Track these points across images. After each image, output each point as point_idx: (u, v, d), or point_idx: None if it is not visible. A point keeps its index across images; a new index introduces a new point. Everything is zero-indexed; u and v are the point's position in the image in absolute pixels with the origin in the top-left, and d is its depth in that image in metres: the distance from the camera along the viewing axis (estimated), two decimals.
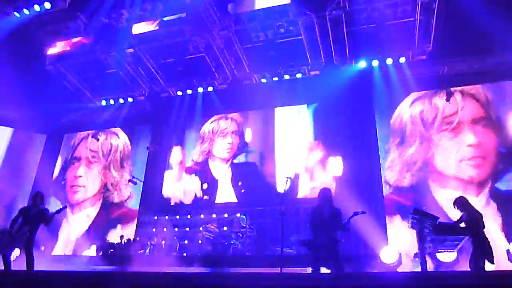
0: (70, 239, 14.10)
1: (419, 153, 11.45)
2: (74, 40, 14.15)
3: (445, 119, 11.54)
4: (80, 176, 15.42)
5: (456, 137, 11.21)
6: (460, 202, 7.02)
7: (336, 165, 11.74)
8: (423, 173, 11.18)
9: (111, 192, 14.69)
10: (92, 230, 14.08)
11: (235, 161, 13.73)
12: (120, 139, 15.56)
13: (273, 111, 14.02)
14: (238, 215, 11.68)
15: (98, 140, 15.45)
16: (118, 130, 15.71)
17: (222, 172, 13.72)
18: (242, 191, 13.06)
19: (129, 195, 14.36)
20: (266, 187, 12.82)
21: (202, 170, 14.00)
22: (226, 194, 13.29)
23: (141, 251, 11.33)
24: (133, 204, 14.19)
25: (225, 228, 11.61)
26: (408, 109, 12.11)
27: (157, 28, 13.09)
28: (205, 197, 13.37)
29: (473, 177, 10.57)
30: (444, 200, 10.40)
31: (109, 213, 14.32)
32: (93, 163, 15.51)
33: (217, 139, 14.31)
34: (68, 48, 14.21)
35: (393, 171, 11.58)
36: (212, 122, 14.66)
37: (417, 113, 11.93)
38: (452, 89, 11.65)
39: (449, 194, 9.95)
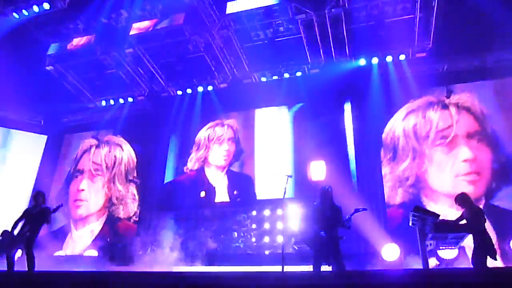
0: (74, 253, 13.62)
1: (412, 168, 11.12)
2: (74, 40, 14.14)
3: (439, 133, 11.19)
4: (83, 190, 14.83)
5: (451, 152, 10.87)
6: (461, 199, 6.99)
7: (319, 169, 11.43)
8: (416, 190, 10.89)
9: (116, 206, 14.16)
10: (96, 244, 13.39)
11: (231, 168, 13.53)
12: (124, 151, 15.09)
13: (254, 112, 14.07)
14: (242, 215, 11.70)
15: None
16: (122, 141, 15.30)
17: (218, 179, 13.49)
18: (238, 199, 12.90)
19: (135, 210, 13.88)
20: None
21: (198, 178, 13.76)
22: (224, 199, 13.15)
23: (141, 252, 11.32)
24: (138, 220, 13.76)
25: (226, 228, 11.62)
26: (401, 123, 11.79)
27: (155, 28, 13.07)
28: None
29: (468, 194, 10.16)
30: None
31: (114, 228, 13.79)
32: (96, 176, 14.97)
33: (213, 147, 14.05)
34: (68, 49, 14.19)
35: (384, 187, 11.28)
36: (208, 128, 14.42)
37: (411, 127, 11.60)
38: (447, 101, 11.43)
39: (444, 210, 9.38)
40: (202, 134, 14.43)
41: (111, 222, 13.97)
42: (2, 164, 15.29)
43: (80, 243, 13.92)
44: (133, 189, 14.32)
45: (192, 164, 14.08)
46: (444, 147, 11.02)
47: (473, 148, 10.73)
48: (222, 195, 13.18)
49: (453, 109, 11.38)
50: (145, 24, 13.23)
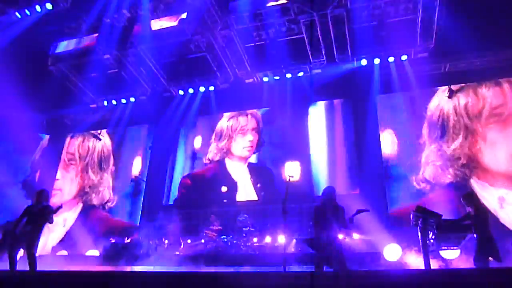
0: (46, 247, 12.92)
1: (464, 147, 10.96)
2: (76, 40, 14.17)
3: (493, 110, 11.05)
4: (57, 180, 15.32)
5: (506, 129, 10.72)
6: (469, 197, 6.95)
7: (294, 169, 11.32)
8: (468, 170, 10.70)
9: (89, 194, 14.59)
10: (69, 238, 13.51)
11: (250, 160, 13.43)
12: (98, 141, 15.55)
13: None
14: (240, 215, 11.67)
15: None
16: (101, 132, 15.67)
17: (240, 172, 13.30)
18: (262, 193, 12.77)
19: (108, 197, 14.23)
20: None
21: (219, 170, 13.55)
22: (246, 193, 12.97)
23: (143, 251, 11.30)
24: (113, 209, 14.08)
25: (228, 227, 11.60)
26: (450, 101, 11.57)
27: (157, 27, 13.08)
28: (224, 200, 12.99)
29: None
30: (492, 198, 10.06)
31: (88, 219, 13.99)
32: (70, 165, 15.52)
33: (237, 137, 13.90)
34: (70, 49, 14.22)
35: (429, 166, 11.05)
36: (230, 118, 14.29)
37: (462, 105, 11.40)
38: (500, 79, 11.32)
39: (501, 193, 9.91)
40: (225, 124, 14.27)
41: (85, 212, 14.37)
42: None
43: (54, 230, 13.60)
44: (108, 177, 14.62)
45: (212, 154, 13.91)
46: (498, 125, 10.88)
47: None
48: (246, 191, 12.97)
49: (506, 85, 11.24)
50: (167, 21, 13.09)
